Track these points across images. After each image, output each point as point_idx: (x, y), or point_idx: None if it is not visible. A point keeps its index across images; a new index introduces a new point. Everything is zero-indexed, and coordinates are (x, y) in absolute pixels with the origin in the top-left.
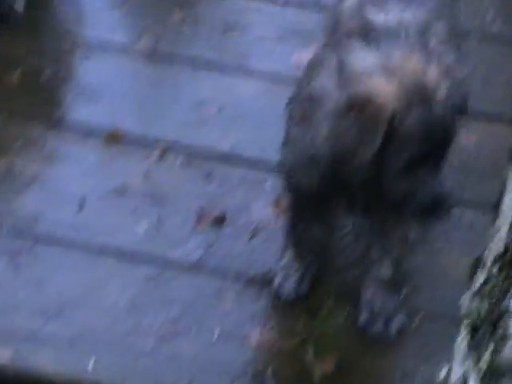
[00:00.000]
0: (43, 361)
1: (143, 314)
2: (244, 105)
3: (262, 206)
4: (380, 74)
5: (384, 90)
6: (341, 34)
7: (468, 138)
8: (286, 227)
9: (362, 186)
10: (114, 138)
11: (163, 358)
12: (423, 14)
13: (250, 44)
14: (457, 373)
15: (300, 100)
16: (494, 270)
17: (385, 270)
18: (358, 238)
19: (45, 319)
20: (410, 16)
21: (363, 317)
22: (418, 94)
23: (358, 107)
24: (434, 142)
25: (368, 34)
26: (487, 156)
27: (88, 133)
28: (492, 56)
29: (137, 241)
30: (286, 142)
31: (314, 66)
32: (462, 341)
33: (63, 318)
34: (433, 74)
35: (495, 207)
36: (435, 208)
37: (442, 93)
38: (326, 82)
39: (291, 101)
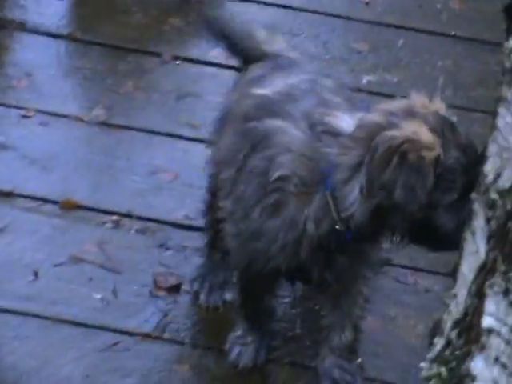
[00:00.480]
0: None
1: None
2: (198, 173)
3: None
4: (405, 119)
5: (419, 131)
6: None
7: None
8: (237, 302)
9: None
10: (67, 207)
11: None
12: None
13: (204, 111)
14: None
15: (264, 191)
16: (454, 335)
17: (344, 338)
18: (316, 306)
19: None
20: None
21: None
22: (447, 128)
23: (401, 153)
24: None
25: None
26: None
27: (41, 202)
28: None
29: (92, 310)
30: (257, 236)
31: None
32: None
33: None
34: (440, 107)
35: (451, 274)
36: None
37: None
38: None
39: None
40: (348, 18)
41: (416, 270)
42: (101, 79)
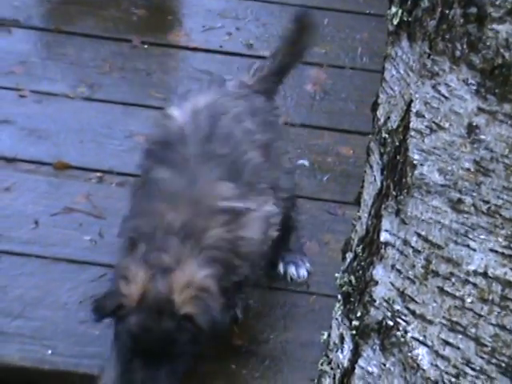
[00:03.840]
0: (10, 352)
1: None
2: None
3: None
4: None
5: (128, 289)
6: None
7: (347, 151)
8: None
9: None
10: (60, 168)
11: (109, 343)
12: None
13: (168, 84)
14: (335, 333)
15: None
16: (359, 250)
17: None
18: None
19: (10, 318)
20: None
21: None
22: (153, 305)
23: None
24: (149, 342)
25: None
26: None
27: (39, 165)
28: (362, 83)
29: (83, 249)
30: None
31: None
32: (338, 309)
33: (25, 316)
34: (180, 298)
35: (356, 201)
36: None
37: (186, 311)
38: None
39: None
40: (283, 4)
41: (344, 203)
42: (83, 63)
